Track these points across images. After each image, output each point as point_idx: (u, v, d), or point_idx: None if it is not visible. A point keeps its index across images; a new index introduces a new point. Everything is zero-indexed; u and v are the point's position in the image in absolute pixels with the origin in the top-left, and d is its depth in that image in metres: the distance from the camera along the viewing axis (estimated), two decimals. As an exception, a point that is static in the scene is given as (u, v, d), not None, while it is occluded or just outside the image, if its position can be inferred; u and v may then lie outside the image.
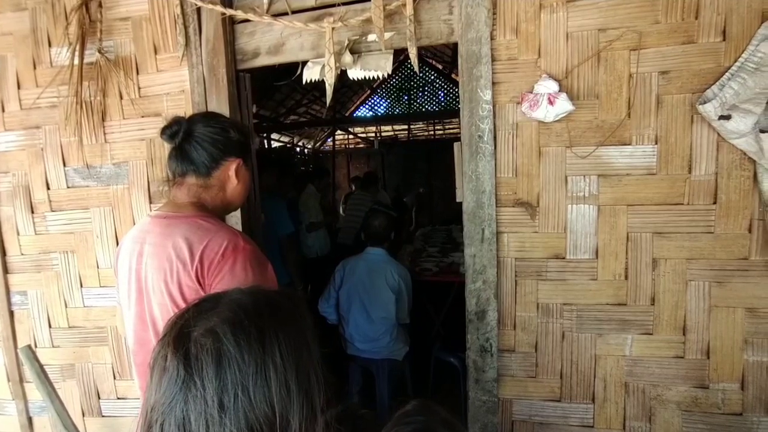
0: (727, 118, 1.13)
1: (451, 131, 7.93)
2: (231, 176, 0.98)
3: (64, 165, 1.67)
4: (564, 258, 1.32)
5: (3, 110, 1.69)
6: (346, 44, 1.39)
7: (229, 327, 0.46)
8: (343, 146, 8.90)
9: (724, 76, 1.15)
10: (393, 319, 2.11)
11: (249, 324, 0.46)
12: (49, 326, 1.75)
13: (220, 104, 1.50)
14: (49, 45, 1.62)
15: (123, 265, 0.96)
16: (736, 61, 1.14)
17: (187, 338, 0.46)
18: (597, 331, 1.32)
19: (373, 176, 4.90)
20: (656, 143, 1.23)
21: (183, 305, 0.84)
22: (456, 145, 1.42)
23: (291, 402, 0.45)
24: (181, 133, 0.95)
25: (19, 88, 1.66)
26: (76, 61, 1.54)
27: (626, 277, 1.28)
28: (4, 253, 1.74)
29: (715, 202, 1.21)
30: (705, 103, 1.15)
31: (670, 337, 1.27)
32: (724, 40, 1.16)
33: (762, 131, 1.12)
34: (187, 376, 0.44)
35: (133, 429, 0.49)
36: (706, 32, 1.17)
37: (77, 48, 1.53)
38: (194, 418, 0.43)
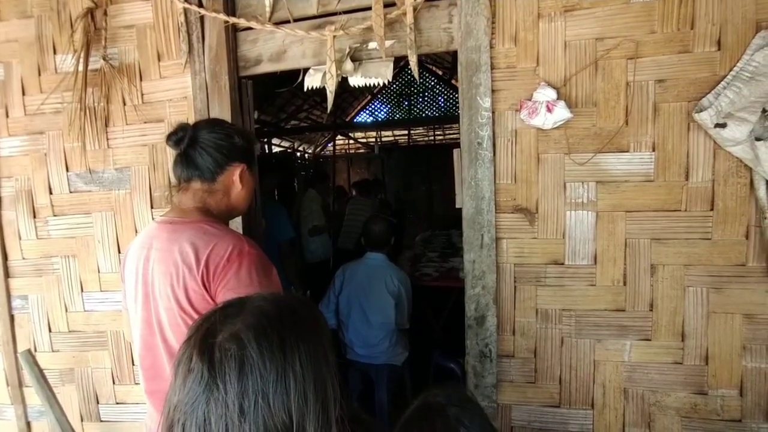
0: (723, 126, 1.15)
1: (451, 136, 7.95)
2: (235, 181, 0.99)
3: (67, 170, 1.68)
4: (563, 264, 1.33)
5: (7, 116, 1.70)
6: (347, 52, 1.41)
7: (253, 334, 0.47)
8: (343, 151, 8.93)
9: (720, 85, 1.17)
10: (392, 324, 2.11)
11: (272, 332, 0.48)
12: (49, 330, 1.75)
13: (222, 111, 1.51)
14: (54, 52, 1.64)
15: (130, 270, 0.97)
16: (731, 70, 1.16)
17: (213, 342, 0.47)
18: (596, 336, 1.32)
19: (369, 182, 4.93)
20: (654, 150, 1.24)
21: (190, 310, 0.86)
22: (455, 151, 1.43)
23: (308, 410, 0.46)
24: (187, 139, 0.96)
25: (23, 94, 1.68)
26: (81, 68, 1.56)
27: (625, 283, 1.29)
28: (6, 258, 1.75)
29: (712, 209, 1.22)
30: (701, 111, 1.17)
31: (669, 343, 1.27)
32: (719, 49, 1.18)
33: (757, 139, 1.13)
34: (210, 378, 0.45)
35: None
36: (701, 42, 1.19)
37: (82, 55, 1.55)
38: (215, 420, 0.45)
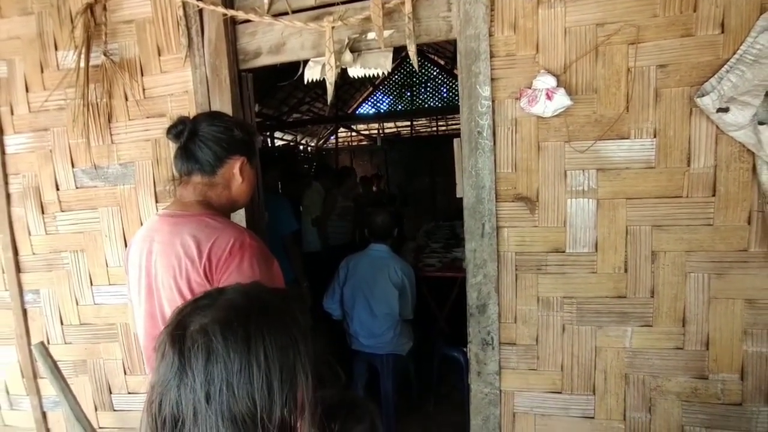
0: (726, 110, 1.13)
1: (454, 127, 7.91)
2: (236, 174, 1.00)
3: (73, 166, 1.70)
4: (564, 252, 1.33)
5: (12, 113, 1.73)
6: (346, 43, 1.40)
7: (219, 327, 0.51)
8: (346, 143, 8.92)
9: (723, 69, 1.15)
10: (396, 314, 2.14)
11: (237, 326, 0.51)
12: (61, 323, 1.79)
13: (223, 104, 1.52)
14: (56, 48, 1.66)
15: (133, 263, 0.99)
16: (734, 53, 1.14)
17: (183, 332, 0.51)
18: (597, 323, 1.33)
19: (333, 170, 4.67)
20: (655, 137, 1.24)
21: None
22: (456, 141, 1.43)
23: (272, 398, 0.50)
24: (186, 133, 0.97)
25: (27, 91, 1.70)
26: (82, 64, 1.57)
27: (626, 270, 1.29)
28: (17, 253, 1.79)
29: (714, 195, 1.21)
30: (703, 96, 1.15)
31: (670, 329, 1.28)
32: (722, 32, 1.16)
33: (760, 123, 1.12)
34: (180, 365, 0.49)
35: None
36: (704, 25, 1.17)
37: (83, 51, 1.56)
38: (184, 403, 0.49)
